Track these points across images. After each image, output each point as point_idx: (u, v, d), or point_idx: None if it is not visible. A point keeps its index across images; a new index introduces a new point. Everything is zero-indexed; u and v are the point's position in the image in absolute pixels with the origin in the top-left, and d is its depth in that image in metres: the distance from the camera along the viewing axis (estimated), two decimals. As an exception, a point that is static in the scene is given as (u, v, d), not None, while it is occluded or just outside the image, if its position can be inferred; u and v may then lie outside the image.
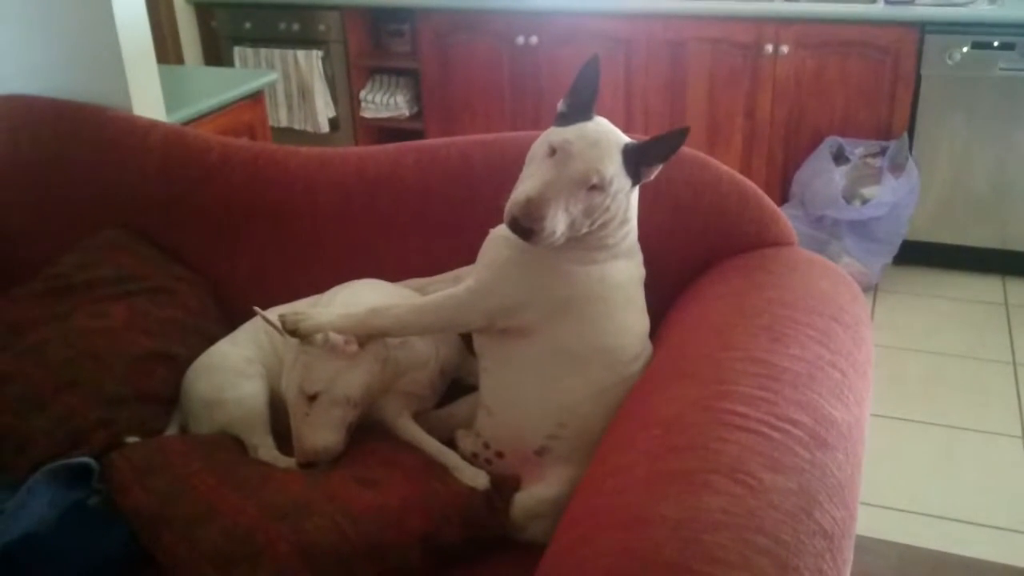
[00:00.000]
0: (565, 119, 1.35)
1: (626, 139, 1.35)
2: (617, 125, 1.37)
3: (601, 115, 1.37)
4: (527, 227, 1.26)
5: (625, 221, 1.40)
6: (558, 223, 1.27)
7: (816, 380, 1.18)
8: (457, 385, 1.64)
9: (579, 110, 1.35)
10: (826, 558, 0.93)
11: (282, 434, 1.55)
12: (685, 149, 1.64)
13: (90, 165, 1.99)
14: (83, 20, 2.11)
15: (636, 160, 1.33)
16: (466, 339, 1.63)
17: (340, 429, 1.44)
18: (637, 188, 1.40)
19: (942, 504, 2.39)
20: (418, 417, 1.54)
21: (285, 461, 1.50)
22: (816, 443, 1.07)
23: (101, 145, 2.00)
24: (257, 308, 1.52)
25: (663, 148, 1.33)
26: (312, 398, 1.42)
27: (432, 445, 1.47)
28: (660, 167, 1.37)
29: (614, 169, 1.30)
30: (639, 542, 0.93)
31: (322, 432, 1.43)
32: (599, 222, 1.34)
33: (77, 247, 1.89)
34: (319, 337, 1.42)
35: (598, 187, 1.29)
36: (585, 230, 1.33)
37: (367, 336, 1.44)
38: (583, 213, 1.30)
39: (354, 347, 1.43)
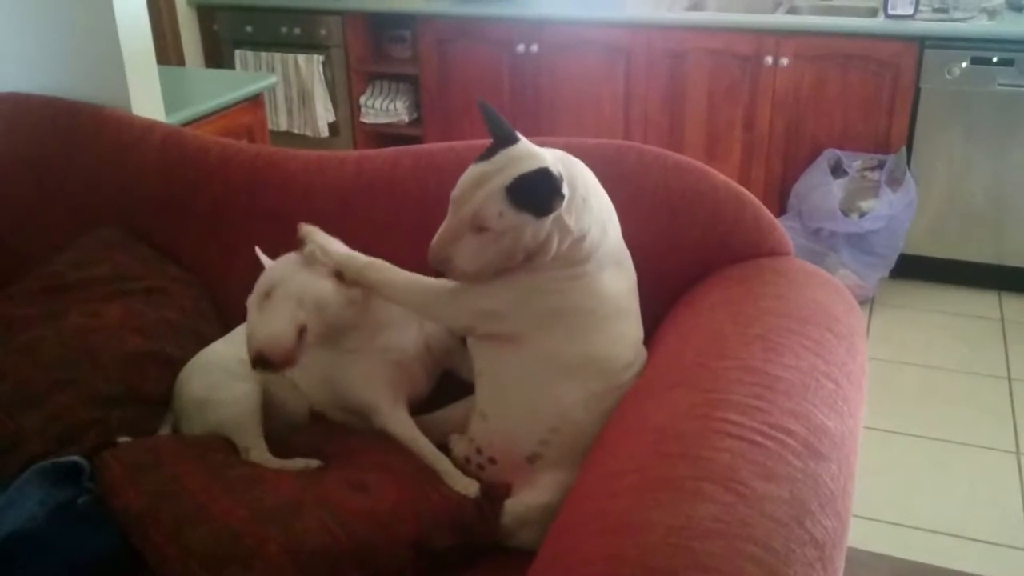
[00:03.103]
0: (487, 152, 1.32)
1: (522, 171, 1.27)
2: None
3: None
4: (438, 270, 1.32)
5: (581, 239, 1.33)
6: (467, 264, 1.30)
7: (810, 390, 1.18)
8: (456, 385, 1.63)
9: (501, 142, 1.32)
10: (817, 568, 0.93)
11: (275, 437, 1.55)
12: (683, 158, 1.65)
13: (88, 164, 1.99)
14: (83, 19, 2.11)
15: (525, 196, 1.26)
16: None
17: (290, 324, 1.43)
18: (585, 200, 1.33)
19: (935, 518, 2.39)
20: (414, 415, 1.53)
21: (277, 463, 1.49)
22: (809, 453, 1.07)
23: (99, 144, 2.00)
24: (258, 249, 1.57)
25: (535, 190, 1.26)
26: (267, 296, 1.45)
27: (425, 447, 1.47)
28: (566, 198, 1.28)
29: (497, 208, 1.26)
30: (629, 548, 0.93)
31: (271, 323, 1.43)
32: (535, 252, 1.31)
33: (73, 246, 1.89)
34: (308, 248, 1.48)
35: (487, 229, 1.27)
36: (521, 259, 1.31)
37: (354, 280, 1.47)
38: (497, 252, 1.29)
39: (328, 266, 1.47)
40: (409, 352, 1.56)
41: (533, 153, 1.31)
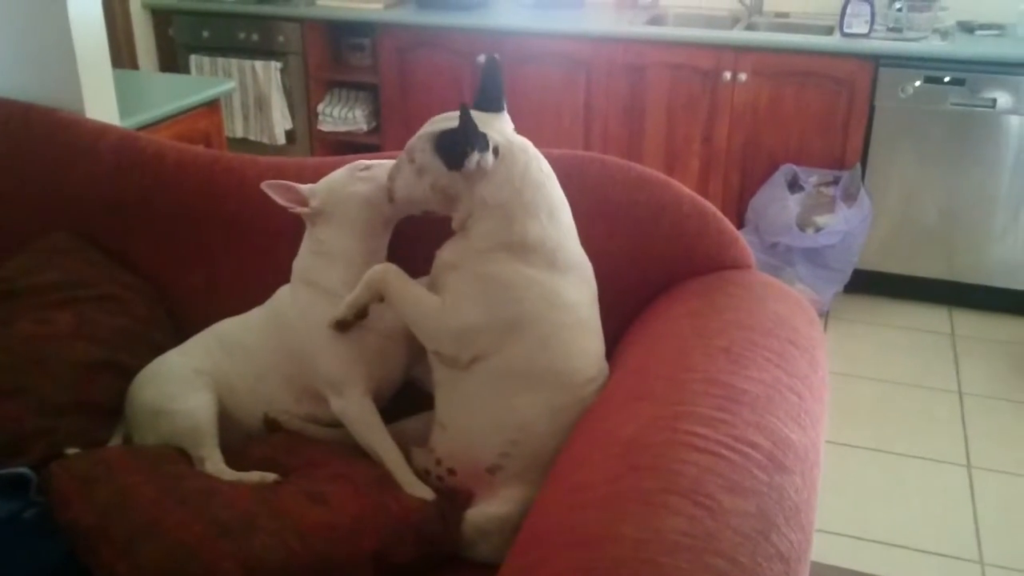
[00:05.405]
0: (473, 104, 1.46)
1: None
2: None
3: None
4: (388, 186, 1.50)
5: (507, 219, 1.38)
6: (400, 189, 1.48)
7: (774, 402, 1.18)
8: (418, 396, 1.60)
9: (483, 104, 1.46)
10: (783, 581, 0.93)
11: (230, 448, 1.52)
12: (646, 170, 1.65)
13: (39, 167, 1.94)
14: (36, 18, 2.06)
15: (443, 145, 1.40)
16: None
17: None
18: (516, 187, 1.39)
19: (890, 531, 2.41)
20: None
21: (231, 475, 1.46)
22: (774, 466, 1.07)
23: (52, 147, 1.95)
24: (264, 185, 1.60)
25: (452, 142, 1.38)
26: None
27: (383, 442, 1.46)
28: (480, 155, 1.36)
29: (422, 144, 1.43)
30: (596, 562, 0.92)
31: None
32: (448, 205, 1.44)
33: (23, 251, 1.84)
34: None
35: (413, 160, 1.44)
36: (439, 205, 1.45)
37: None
38: (420, 187, 1.44)
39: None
40: (395, 329, 1.52)
41: (491, 124, 1.42)
